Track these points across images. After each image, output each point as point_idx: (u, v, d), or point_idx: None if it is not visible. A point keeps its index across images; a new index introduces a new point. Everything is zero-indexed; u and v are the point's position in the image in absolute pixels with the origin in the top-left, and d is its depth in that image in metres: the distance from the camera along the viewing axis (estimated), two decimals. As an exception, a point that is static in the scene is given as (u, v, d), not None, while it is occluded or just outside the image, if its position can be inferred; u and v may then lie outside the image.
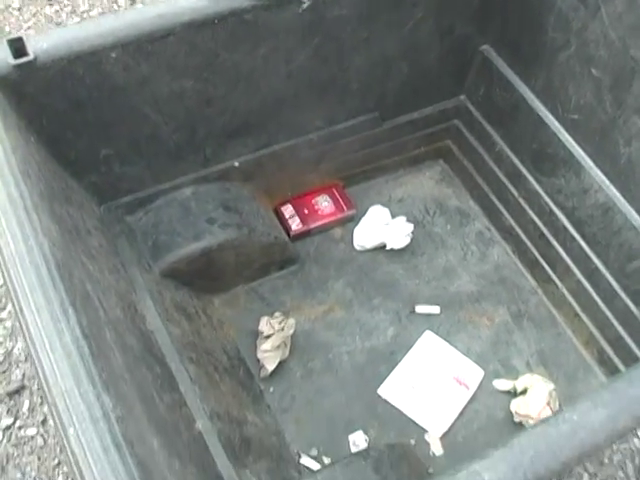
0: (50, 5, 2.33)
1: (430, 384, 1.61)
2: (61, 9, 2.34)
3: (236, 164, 1.58)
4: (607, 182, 1.52)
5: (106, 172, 1.42)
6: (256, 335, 1.62)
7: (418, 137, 1.86)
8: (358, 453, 1.46)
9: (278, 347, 1.57)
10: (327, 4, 1.36)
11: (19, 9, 2.34)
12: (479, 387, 1.62)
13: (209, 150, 1.52)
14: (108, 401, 0.90)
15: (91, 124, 1.32)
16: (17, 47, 1.15)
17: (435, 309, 1.72)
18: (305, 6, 1.33)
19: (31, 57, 1.16)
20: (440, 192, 1.93)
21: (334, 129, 1.68)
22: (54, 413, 0.89)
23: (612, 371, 1.61)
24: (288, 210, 1.78)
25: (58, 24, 2.26)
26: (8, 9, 2.34)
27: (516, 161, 1.73)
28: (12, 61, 1.15)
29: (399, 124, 1.78)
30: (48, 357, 0.92)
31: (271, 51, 1.39)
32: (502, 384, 1.62)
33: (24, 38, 1.16)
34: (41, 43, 1.18)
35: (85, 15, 2.31)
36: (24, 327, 0.97)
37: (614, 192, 1.51)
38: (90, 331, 0.97)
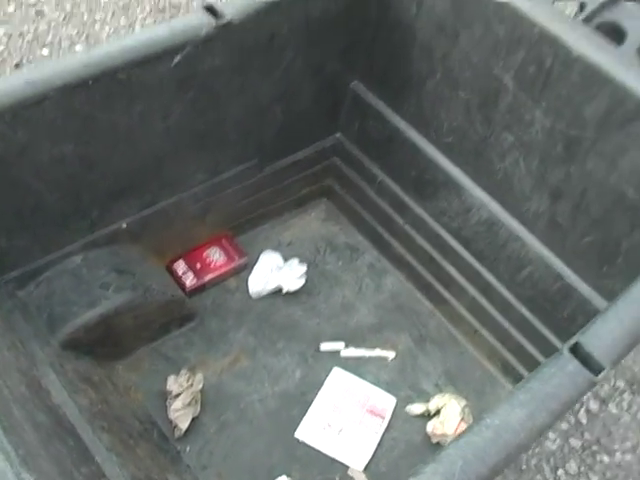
0: None
1: (345, 419, 1.61)
2: None
3: (124, 225, 1.55)
4: (488, 198, 1.58)
5: (-8, 247, 1.37)
6: (164, 396, 1.58)
7: (299, 179, 1.87)
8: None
9: (189, 404, 1.53)
10: (199, 57, 1.36)
11: None
12: (393, 415, 1.63)
13: (95, 214, 1.48)
14: (29, 477, 0.86)
15: (-28, 199, 1.27)
16: None
17: (340, 345, 1.72)
18: (177, 60, 1.33)
19: None
20: (327, 230, 1.94)
21: (216, 180, 1.66)
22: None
23: (517, 379, 1.65)
24: (181, 266, 1.75)
25: None
26: None
27: (397, 190, 1.77)
28: None
29: (279, 168, 1.79)
30: None
31: (147, 108, 1.38)
32: (415, 408, 1.63)
33: None
34: None
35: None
36: None
37: (496, 207, 1.56)
38: None
